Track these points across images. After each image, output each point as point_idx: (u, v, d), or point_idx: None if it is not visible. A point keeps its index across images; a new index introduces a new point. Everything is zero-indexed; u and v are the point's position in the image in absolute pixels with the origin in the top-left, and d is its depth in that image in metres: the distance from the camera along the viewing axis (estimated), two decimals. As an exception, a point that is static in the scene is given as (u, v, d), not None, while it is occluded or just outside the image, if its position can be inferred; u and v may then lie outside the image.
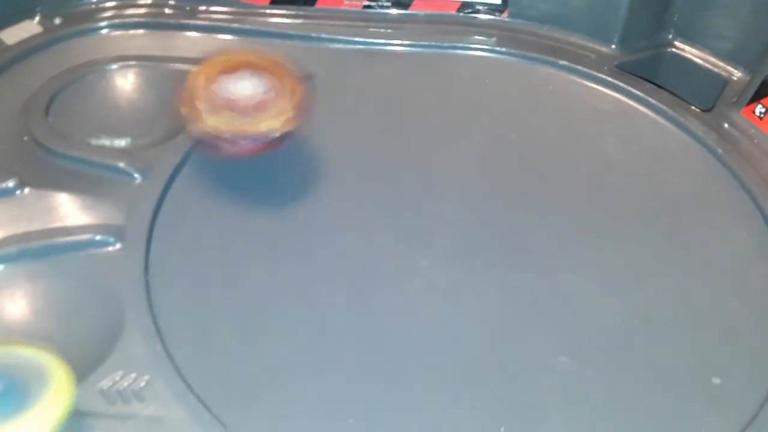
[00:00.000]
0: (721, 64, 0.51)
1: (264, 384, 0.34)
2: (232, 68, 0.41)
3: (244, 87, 0.40)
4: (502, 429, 0.33)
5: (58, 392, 0.29)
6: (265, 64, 0.42)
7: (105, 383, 0.32)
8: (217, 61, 0.42)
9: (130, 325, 0.34)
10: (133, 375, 0.33)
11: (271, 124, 0.39)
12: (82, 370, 0.32)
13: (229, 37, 0.53)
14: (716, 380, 0.35)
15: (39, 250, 0.38)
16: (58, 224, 0.39)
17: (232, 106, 0.40)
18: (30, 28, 0.52)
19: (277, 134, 0.40)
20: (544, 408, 0.34)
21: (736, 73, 0.51)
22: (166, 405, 0.32)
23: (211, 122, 0.39)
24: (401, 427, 0.33)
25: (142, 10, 0.54)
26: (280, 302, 0.37)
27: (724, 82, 0.51)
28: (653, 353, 0.36)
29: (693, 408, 0.34)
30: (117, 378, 0.32)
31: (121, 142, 0.44)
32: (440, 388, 0.35)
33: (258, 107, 0.40)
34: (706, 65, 0.52)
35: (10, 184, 0.40)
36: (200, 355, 0.35)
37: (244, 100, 0.40)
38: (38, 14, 0.53)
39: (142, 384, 0.32)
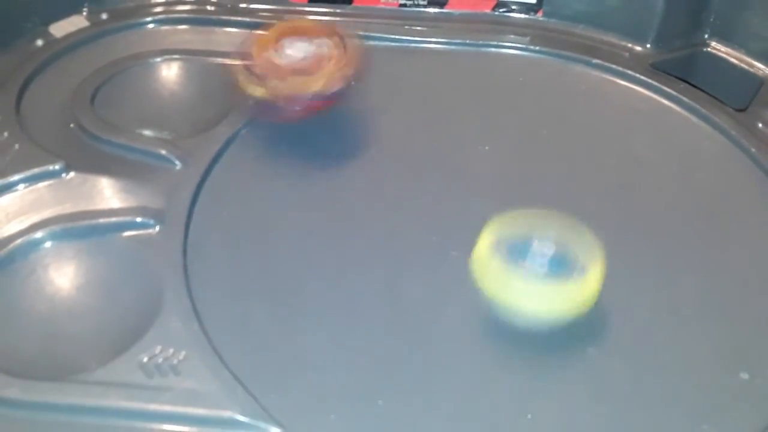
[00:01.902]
0: (757, 64, 0.51)
1: (296, 364, 0.35)
2: (286, 34, 0.44)
3: (296, 51, 0.43)
4: (529, 416, 0.34)
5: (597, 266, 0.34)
6: (317, 29, 0.45)
7: (143, 357, 0.33)
8: (272, 30, 0.45)
9: (168, 303, 0.36)
10: (171, 350, 0.34)
11: (323, 82, 0.42)
12: (123, 343, 0.34)
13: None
14: (744, 375, 0.35)
15: (82, 230, 0.39)
16: (101, 206, 0.40)
17: (285, 70, 0.42)
18: (78, 22, 0.54)
19: (331, 91, 0.42)
20: (570, 398, 0.35)
21: (772, 74, 0.51)
22: (201, 380, 0.33)
23: (266, 86, 0.42)
24: (429, 410, 0.34)
25: (185, 7, 0.55)
26: (313, 287, 0.38)
27: (760, 82, 0.51)
28: (681, 347, 0.36)
29: (720, 402, 0.34)
30: (155, 352, 0.33)
31: (163, 131, 0.46)
32: (468, 374, 0.35)
33: (310, 68, 0.42)
34: (742, 65, 0.52)
35: (57, 167, 0.41)
36: (235, 335, 0.36)
37: (297, 63, 0.42)
38: (86, 9, 0.55)
39: (179, 359, 0.33)
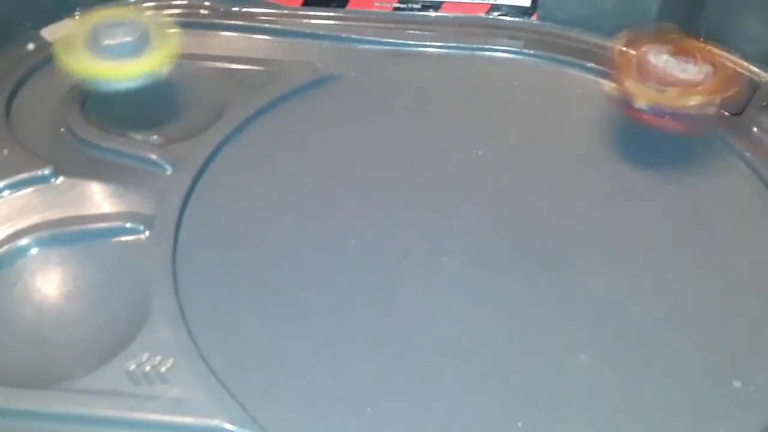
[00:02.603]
0: (752, 68, 0.51)
1: (285, 372, 0.35)
2: (664, 48, 0.44)
3: (682, 68, 0.43)
4: (520, 424, 0.33)
5: (167, 42, 0.45)
6: (697, 50, 0.44)
7: (130, 364, 0.33)
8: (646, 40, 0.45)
9: (157, 310, 0.35)
10: (158, 358, 0.33)
11: (702, 101, 0.42)
12: (110, 350, 0.34)
13: (261, 36, 0.54)
14: (737, 383, 0.35)
15: (70, 236, 0.39)
16: (89, 211, 0.40)
17: (669, 83, 0.42)
18: (69, 26, 0.54)
19: (706, 112, 0.43)
20: (562, 405, 0.34)
21: (767, 77, 0.51)
22: (188, 388, 0.33)
23: (648, 96, 0.42)
24: (419, 418, 0.34)
25: (177, 11, 0.55)
26: (303, 293, 0.38)
27: (755, 86, 0.50)
28: (673, 355, 0.36)
29: (712, 410, 0.34)
30: (142, 360, 0.33)
31: (154, 135, 0.45)
32: (459, 382, 0.35)
33: (694, 86, 0.42)
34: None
35: (46, 172, 0.41)
36: (224, 342, 0.35)
37: (683, 79, 0.43)
38: (77, 13, 0.54)
39: (167, 367, 0.33)
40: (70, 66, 0.43)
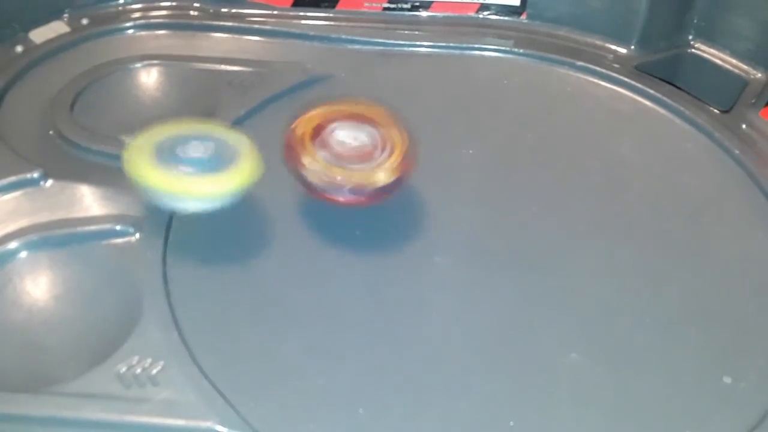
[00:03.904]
0: (741, 65, 0.51)
1: (276, 373, 0.35)
2: (335, 119, 0.41)
3: (351, 137, 0.40)
4: (511, 423, 0.33)
5: (251, 160, 0.39)
6: (368, 115, 0.42)
7: (121, 367, 0.33)
8: (318, 112, 0.42)
9: (147, 312, 0.35)
10: (149, 360, 0.33)
11: (379, 175, 0.39)
12: (100, 353, 0.33)
13: (251, 38, 0.54)
14: (727, 380, 0.35)
15: (60, 239, 0.39)
16: (79, 214, 0.40)
17: (340, 157, 0.39)
18: (58, 28, 0.53)
19: (385, 185, 0.39)
20: (553, 403, 0.34)
21: (756, 75, 0.51)
22: (179, 390, 0.33)
23: (318, 169, 0.39)
24: (411, 419, 0.34)
25: (167, 12, 0.55)
26: (294, 294, 0.38)
27: (744, 83, 0.51)
28: (664, 351, 0.36)
29: (703, 407, 0.34)
30: (133, 362, 0.33)
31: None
32: (450, 381, 0.35)
33: (366, 158, 0.40)
34: (726, 66, 0.52)
35: (35, 175, 0.41)
36: (215, 344, 0.35)
37: (352, 151, 0.40)
38: (66, 15, 0.54)
39: (158, 369, 0.33)
40: (138, 176, 0.38)
